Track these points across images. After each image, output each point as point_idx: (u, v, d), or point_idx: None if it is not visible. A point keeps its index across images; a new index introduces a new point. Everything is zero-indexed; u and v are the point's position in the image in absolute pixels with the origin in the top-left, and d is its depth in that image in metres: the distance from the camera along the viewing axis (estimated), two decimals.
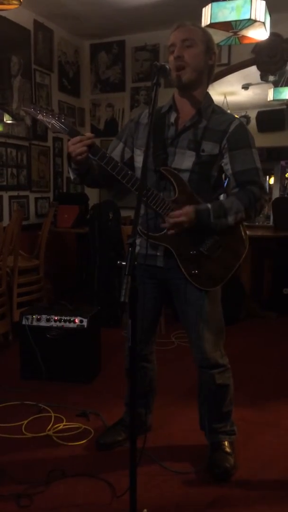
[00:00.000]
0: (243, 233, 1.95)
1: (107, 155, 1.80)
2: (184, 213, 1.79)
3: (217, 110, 1.91)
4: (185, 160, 1.85)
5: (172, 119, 1.89)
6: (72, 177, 1.97)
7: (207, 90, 1.93)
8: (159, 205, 1.81)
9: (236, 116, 1.95)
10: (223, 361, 2.03)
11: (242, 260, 1.94)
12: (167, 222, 1.81)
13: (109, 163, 1.79)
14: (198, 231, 1.84)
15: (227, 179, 1.93)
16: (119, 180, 1.80)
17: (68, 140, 1.82)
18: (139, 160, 1.96)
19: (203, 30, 1.87)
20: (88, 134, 1.81)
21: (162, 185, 1.87)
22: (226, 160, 1.86)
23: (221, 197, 2.04)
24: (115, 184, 1.94)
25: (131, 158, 2.01)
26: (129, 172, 1.80)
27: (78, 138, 1.78)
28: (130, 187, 1.80)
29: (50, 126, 1.80)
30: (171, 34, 1.83)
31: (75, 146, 1.78)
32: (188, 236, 1.85)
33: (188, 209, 1.80)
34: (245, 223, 1.99)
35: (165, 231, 1.84)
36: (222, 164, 1.88)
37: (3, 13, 4.03)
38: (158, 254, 1.93)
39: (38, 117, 1.80)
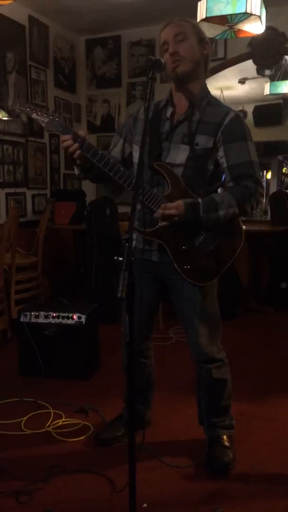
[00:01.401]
0: (239, 227, 1.92)
1: (99, 152, 1.80)
2: (175, 206, 1.79)
3: (213, 102, 1.89)
4: (179, 155, 1.85)
5: (168, 114, 1.89)
6: (76, 173, 1.97)
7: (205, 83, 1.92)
8: (151, 200, 1.81)
9: (232, 108, 1.94)
10: (220, 355, 2.03)
11: (237, 254, 1.92)
12: (158, 213, 1.80)
13: (101, 160, 1.80)
14: (190, 226, 1.83)
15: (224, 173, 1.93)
16: (112, 176, 1.80)
17: None
18: (136, 156, 1.95)
19: (192, 23, 1.87)
20: (80, 132, 1.81)
21: (155, 180, 1.87)
22: (221, 153, 1.84)
23: (219, 191, 2.03)
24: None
25: (131, 153, 2.01)
26: (121, 169, 1.80)
27: (68, 136, 1.78)
28: (122, 183, 1.80)
29: (44, 125, 1.82)
30: (162, 32, 1.83)
31: (67, 143, 1.79)
32: (181, 231, 1.84)
33: (180, 202, 1.80)
34: (242, 218, 1.97)
35: (157, 226, 1.84)
36: (218, 158, 1.86)
37: None
38: (152, 248, 1.93)
39: (32, 116, 1.83)
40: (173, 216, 1.79)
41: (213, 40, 3.35)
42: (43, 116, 1.82)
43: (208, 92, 1.91)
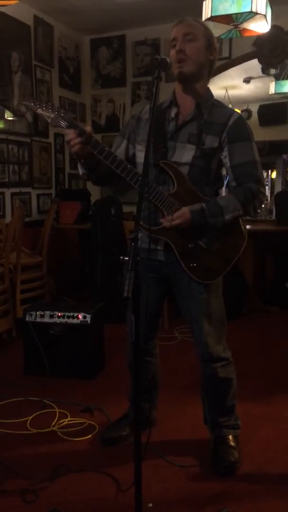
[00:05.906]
0: (242, 227, 1.95)
1: (106, 149, 1.80)
2: (180, 215, 1.80)
3: (217, 104, 1.92)
4: (184, 154, 1.86)
5: (173, 114, 1.90)
6: (80, 172, 1.97)
7: (208, 86, 1.93)
8: (157, 198, 1.82)
9: (236, 110, 1.96)
10: (226, 354, 2.03)
11: (240, 253, 1.95)
12: (164, 225, 1.83)
13: (108, 156, 1.80)
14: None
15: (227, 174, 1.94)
16: (118, 173, 1.80)
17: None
18: (140, 155, 1.96)
19: (204, 26, 1.89)
20: (87, 128, 1.81)
21: (161, 179, 1.87)
22: (225, 153, 1.87)
23: (223, 190, 2.04)
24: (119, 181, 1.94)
25: (135, 154, 2.01)
26: (128, 166, 1.80)
27: (72, 131, 1.77)
28: (129, 180, 1.81)
29: (49, 120, 1.80)
30: (173, 28, 1.84)
31: (70, 136, 1.78)
32: (186, 229, 1.85)
33: (185, 210, 1.81)
34: (247, 217, 1.98)
35: (161, 226, 1.85)
36: (222, 157, 1.89)
37: (2, 9, 4.01)
38: (158, 248, 1.94)
39: (38, 111, 1.81)
40: (179, 225, 1.81)
41: (218, 39, 3.34)
42: (48, 111, 1.79)
43: (212, 95, 1.94)
